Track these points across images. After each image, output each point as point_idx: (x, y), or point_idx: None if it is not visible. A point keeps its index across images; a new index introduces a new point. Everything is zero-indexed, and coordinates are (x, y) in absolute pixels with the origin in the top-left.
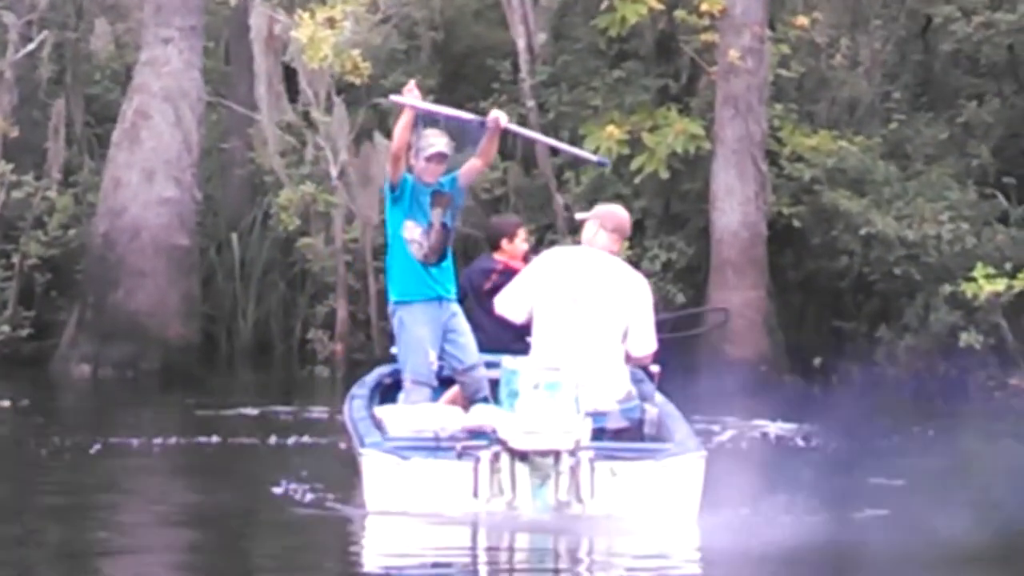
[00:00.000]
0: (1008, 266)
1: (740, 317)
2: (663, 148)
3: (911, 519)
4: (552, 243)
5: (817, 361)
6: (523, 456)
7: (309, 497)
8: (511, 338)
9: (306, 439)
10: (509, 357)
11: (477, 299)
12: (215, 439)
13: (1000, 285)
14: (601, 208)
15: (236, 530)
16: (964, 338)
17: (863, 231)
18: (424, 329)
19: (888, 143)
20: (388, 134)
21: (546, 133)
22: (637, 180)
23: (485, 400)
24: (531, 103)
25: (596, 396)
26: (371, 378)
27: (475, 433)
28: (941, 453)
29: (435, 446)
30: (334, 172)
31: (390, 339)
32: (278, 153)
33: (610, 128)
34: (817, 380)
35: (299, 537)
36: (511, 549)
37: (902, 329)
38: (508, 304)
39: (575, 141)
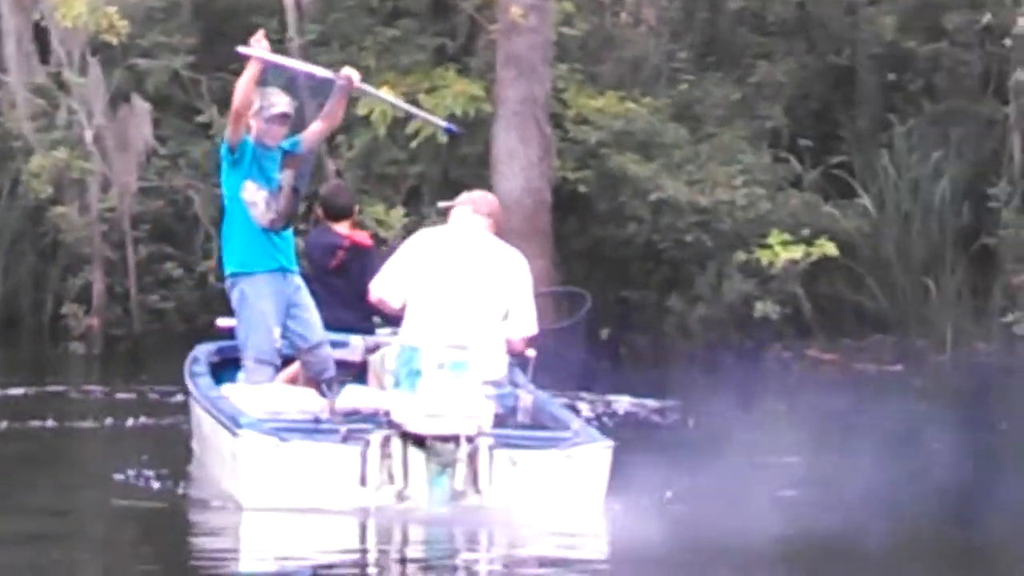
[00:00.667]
0: (805, 232)
1: None
2: (441, 111)
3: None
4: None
5: (604, 333)
6: (420, 441)
7: (156, 486)
8: (356, 317)
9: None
10: (387, 331)
11: (320, 276)
12: None
13: (797, 252)
14: (469, 194)
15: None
16: (759, 308)
17: (652, 197)
18: (267, 303)
19: (677, 105)
20: (147, 97)
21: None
22: (413, 144)
23: (330, 381)
24: None
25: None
26: (200, 355)
27: (349, 416)
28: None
29: (314, 428)
30: (89, 137)
31: (228, 311)
32: (28, 117)
33: (384, 90)
34: (605, 353)
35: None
36: (404, 543)
37: (694, 299)
38: (386, 288)
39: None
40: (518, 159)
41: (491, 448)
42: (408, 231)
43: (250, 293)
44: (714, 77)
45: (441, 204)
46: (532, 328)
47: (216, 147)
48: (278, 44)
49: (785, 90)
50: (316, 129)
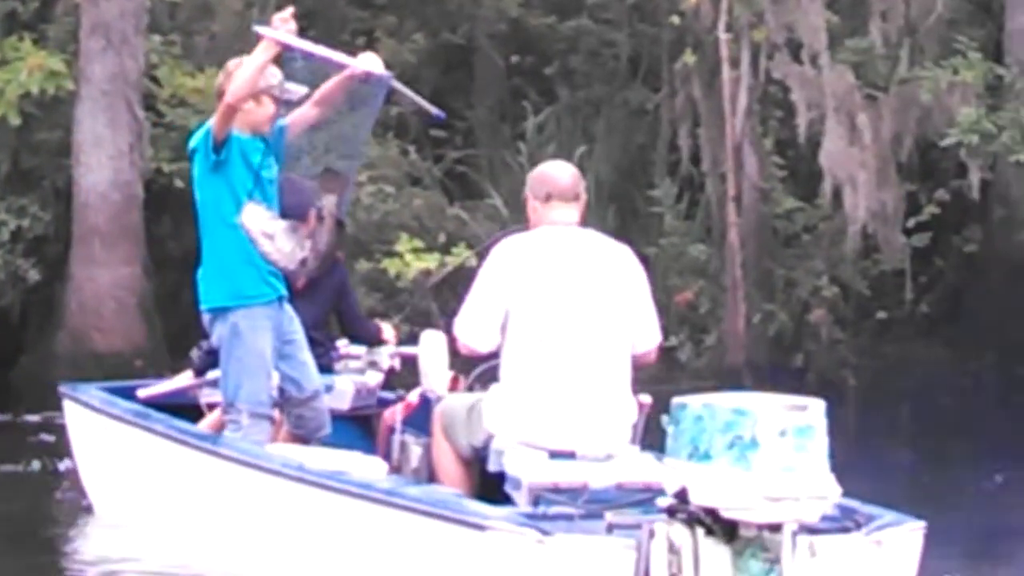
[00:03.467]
0: (441, 237)
1: (110, 299)
2: (14, 88)
3: None
4: None
5: (195, 354)
6: (732, 532)
7: None
8: (320, 350)
9: None
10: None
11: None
12: None
13: (431, 262)
14: (547, 174)
15: None
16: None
17: None
18: (265, 341)
19: None
20: None
21: None
22: None
23: (326, 441)
24: None
25: (611, 432)
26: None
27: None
28: None
29: (555, 515)
30: None
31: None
32: None
33: None
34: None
35: None
36: None
37: None
38: (473, 328)
39: None
40: (105, 147)
41: (794, 534)
42: None
43: (245, 329)
44: None
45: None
46: (658, 334)
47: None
48: None
49: (420, 72)
50: (307, 116)
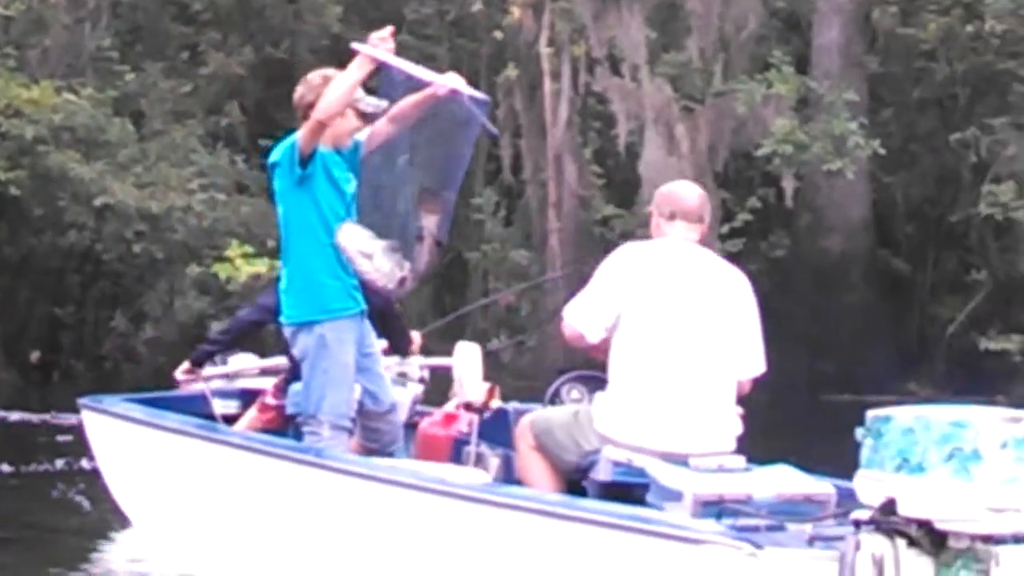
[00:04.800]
0: (271, 244)
1: None
2: None
3: None
4: None
5: (35, 355)
6: (940, 544)
7: None
8: None
9: None
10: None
11: None
12: None
13: (261, 266)
14: (658, 190)
15: None
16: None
17: (97, 201)
18: (350, 355)
19: (120, 98)
20: None
21: None
22: None
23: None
24: None
25: (724, 441)
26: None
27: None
28: None
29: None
30: None
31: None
32: None
33: None
34: (35, 379)
35: None
36: None
37: (141, 318)
38: (585, 315)
39: None
40: None
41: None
42: None
43: (332, 340)
44: (156, 68)
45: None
46: (762, 366)
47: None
48: None
49: (245, 84)
50: (383, 131)
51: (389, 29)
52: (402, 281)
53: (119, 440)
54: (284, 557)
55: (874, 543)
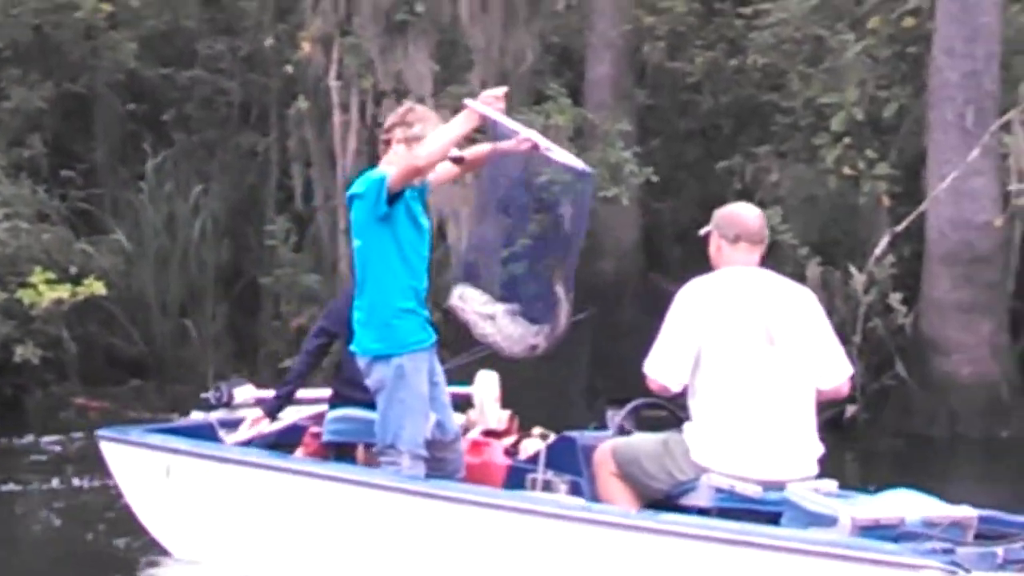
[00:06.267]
0: (73, 270)
1: None
2: None
3: None
4: None
5: None
6: None
7: None
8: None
9: None
10: None
11: (351, 338)
12: None
13: (63, 292)
14: (719, 212)
15: None
16: (20, 351)
17: None
18: (426, 385)
19: None
20: None
21: None
22: None
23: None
24: None
25: (809, 462)
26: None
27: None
28: None
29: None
30: None
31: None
32: None
33: None
34: None
35: None
36: None
37: None
38: (666, 368)
39: None
40: None
41: None
42: None
43: (410, 371)
44: None
45: (702, 231)
46: (848, 368)
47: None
48: None
49: (44, 118)
50: (449, 174)
51: (503, 90)
52: (534, 347)
53: (159, 472)
54: None
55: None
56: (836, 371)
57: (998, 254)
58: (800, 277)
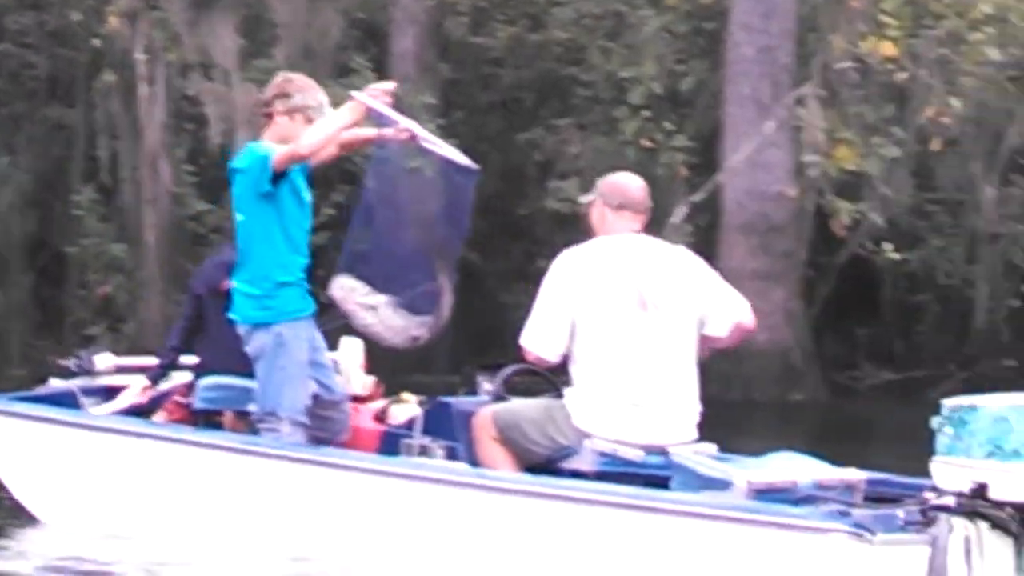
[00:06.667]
0: None
1: None
2: None
3: None
4: None
5: None
6: None
7: None
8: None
9: None
10: None
11: (215, 304)
12: None
13: None
14: (602, 181)
15: None
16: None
17: None
18: (305, 352)
19: None
20: None
21: None
22: None
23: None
24: None
25: (690, 427)
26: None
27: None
28: None
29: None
30: None
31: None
32: None
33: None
34: None
35: None
36: None
37: None
38: (542, 339)
39: None
40: None
41: None
42: None
43: (291, 339)
44: None
45: (582, 199)
46: (737, 315)
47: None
48: None
49: None
50: (326, 154)
51: (391, 85)
52: (416, 338)
53: (26, 440)
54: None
55: (962, 526)
56: (730, 312)
57: (792, 223)
58: None
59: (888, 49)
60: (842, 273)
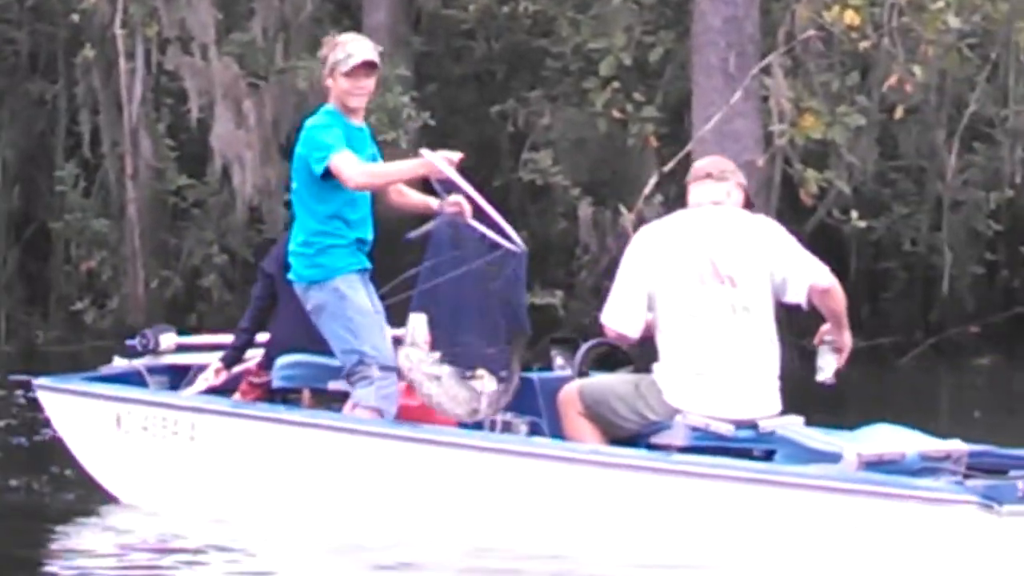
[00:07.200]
0: None
1: None
2: None
3: None
4: None
5: None
6: None
7: None
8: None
9: None
10: None
11: (286, 283)
12: None
13: None
14: (703, 163)
15: None
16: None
17: None
18: (368, 301)
19: None
20: None
21: None
22: None
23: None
24: None
25: (774, 400)
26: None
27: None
28: None
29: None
30: None
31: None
32: None
33: None
34: None
35: None
36: None
37: None
38: (622, 316)
39: None
40: None
41: None
42: None
43: (349, 291)
44: None
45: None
46: (814, 277)
47: None
48: None
49: None
50: (388, 194)
51: (459, 155)
52: (474, 412)
53: (103, 420)
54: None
55: None
56: (803, 277)
57: (760, 192)
58: (572, 217)
59: (851, 18)
60: (810, 241)
